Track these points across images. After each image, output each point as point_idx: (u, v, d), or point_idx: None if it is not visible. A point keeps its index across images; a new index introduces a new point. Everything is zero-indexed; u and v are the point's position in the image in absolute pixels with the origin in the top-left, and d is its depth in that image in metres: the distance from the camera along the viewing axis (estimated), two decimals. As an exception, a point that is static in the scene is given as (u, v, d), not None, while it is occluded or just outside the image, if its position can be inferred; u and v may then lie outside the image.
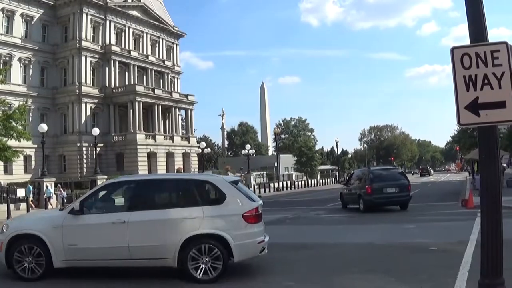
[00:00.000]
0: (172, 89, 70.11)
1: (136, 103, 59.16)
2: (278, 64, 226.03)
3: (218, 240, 8.78)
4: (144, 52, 67.00)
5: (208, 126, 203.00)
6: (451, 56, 5.30)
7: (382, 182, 22.20)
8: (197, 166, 68.52)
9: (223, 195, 9.04)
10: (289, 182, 64.22)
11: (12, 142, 31.66)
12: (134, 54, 64.49)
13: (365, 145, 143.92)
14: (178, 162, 63.71)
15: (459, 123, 5.25)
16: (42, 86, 58.07)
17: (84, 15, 58.41)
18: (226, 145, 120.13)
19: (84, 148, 57.31)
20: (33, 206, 32.82)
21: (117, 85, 61.74)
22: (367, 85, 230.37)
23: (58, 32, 59.15)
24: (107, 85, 60.84)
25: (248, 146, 61.14)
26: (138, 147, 58.38)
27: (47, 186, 35.37)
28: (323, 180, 74.99)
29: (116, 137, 59.83)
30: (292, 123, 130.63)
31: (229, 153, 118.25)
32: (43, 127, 36.19)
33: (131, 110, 59.50)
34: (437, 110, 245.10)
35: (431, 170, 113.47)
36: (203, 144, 54.02)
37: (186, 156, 66.28)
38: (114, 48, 61.48)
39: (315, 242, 13.70)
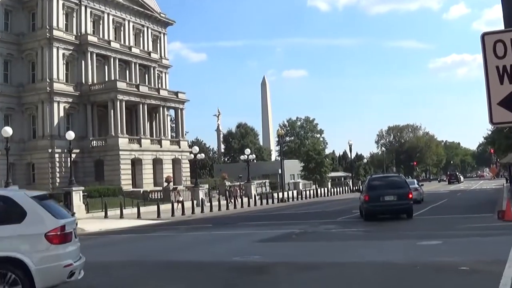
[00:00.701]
0: (160, 86, 70.12)
1: (118, 102, 59.14)
2: (282, 56, 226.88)
3: (16, 264, 8.57)
4: (127, 43, 67.05)
5: (201, 128, 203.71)
6: (481, 43, 5.22)
7: (379, 190, 25.00)
8: (189, 174, 68.45)
9: (23, 212, 8.87)
10: (295, 192, 64.13)
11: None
12: (114, 45, 64.51)
13: (383, 148, 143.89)
14: (167, 170, 63.63)
15: (492, 122, 5.15)
16: (6, 82, 58.03)
17: (55, 0, 58.33)
18: (222, 150, 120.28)
19: (56, 155, 57.24)
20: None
21: (95, 81, 61.76)
22: (385, 79, 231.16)
23: (24, 20, 59.17)
24: (83, 81, 60.85)
25: (247, 151, 61.09)
26: (120, 153, 58.32)
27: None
28: (335, 189, 74.86)
29: (94, 142, 59.79)
30: (299, 123, 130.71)
31: (226, 159, 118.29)
32: (7, 130, 35.94)
33: (112, 110, 59.47)
34: (467, 107, 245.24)
35: (460, 176, 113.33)
36: (196, 148, 53.94)
37: (176, 162, 66.23)
38: (91, 38, 61.52)
39: (326, 262, 13.60)
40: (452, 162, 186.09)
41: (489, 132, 69.77)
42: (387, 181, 26.21)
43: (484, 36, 5.23)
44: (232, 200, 48.87)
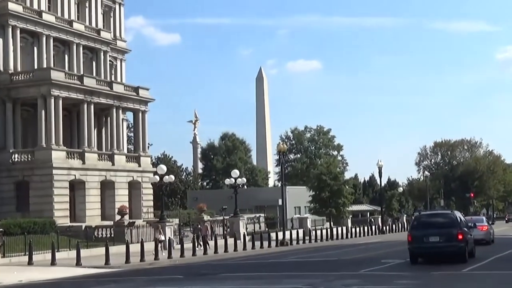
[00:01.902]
0: (113, 78, 69.98)
1: (52, 100, 59.00)
2: (287, 41, 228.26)
3: None
4: (66, 16, 67.07)
5: (171, 140, 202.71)
6: None
7: (423, 230, 30.54)
8: (152, 203, 68.07)
9: None
10: (301, 231, 63.92)
11: None
12: (48, 17, 64.50)
13: (427, 172, 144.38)
14: (122, 198, 63.35)
15: None
16: None
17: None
18: (200, 170, 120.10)
19: (-37, 173, 56.87)
20: None
21: (18, 69, 61.68)
22: (431, 75, 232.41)
23: None
24: (1, 68, 60.76)
25: (235, 173, 60.88)
26: (54, 172, 58.07)
27: None
28: (357, 229, 74.73)
29: (16, 156, 59.52)
30: (308, 135, 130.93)
31: (205, 183, 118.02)
32: None
33: (43, 111, 59.30)
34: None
35: None
36: (163, 168, 53.57)
37: (134, 187, 66.00)
38: (13, 6, 61.44)
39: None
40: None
41: None
42: (434, 219, 31.75)
43: None
44: (201, 242, 48.29)
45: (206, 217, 63.62)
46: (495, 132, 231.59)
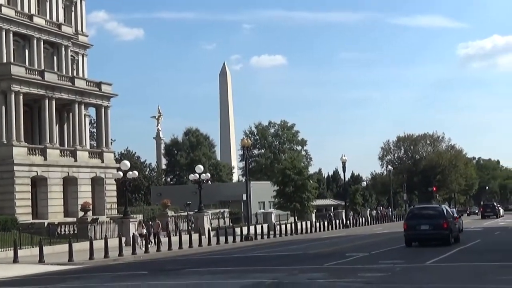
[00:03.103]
0: (75, 73, 69.55)
1: (13, 96, 58.52)
2: (251, 36, 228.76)
3: None
4: (26, 10, 66.47)
5: (134, 136, 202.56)
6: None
7: (416, 220, 38.71)
8: (115, 200, 67.85)
9: None
10: (265, 226, 64.12)
11: None
12: (7, 12, 63.85)
13: (390, 167, 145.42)
14: (85, 194, 63.13)
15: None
16: None
17: None
18: (164, 166, 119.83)
19: None
20: None
21: (-22, 64, 60.96)
22: (394, 70, 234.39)
23: None
24: (-41, 64, 60.10)
25: (199, 168, 60.90)
26: (15, 168, 57.65)
27: None
28: (321, 223, 75.10)
29: (-23, 152, 58.92)
30: (272, 130, 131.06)
31: (169, 179, 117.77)
32: None
33: (3, 107, 58.78)
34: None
35: (500, 208, 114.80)
36: (126, 164, 53.40)
37: (97, 183, 65.77)
38: (-25, 3, 60.73)
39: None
40: (487, 188, 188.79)
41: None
42: (425, 211, 40.80)
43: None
44: (153, 239, 47.51)
45: (170, 213, 63.59)
46: (457, 127, 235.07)
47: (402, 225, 40.99)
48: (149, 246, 43.72)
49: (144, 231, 48.02)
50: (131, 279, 26.26)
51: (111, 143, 72.44)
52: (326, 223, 74.07)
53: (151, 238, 47.81)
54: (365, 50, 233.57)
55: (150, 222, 53.49)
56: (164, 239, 46.81)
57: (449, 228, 38.27)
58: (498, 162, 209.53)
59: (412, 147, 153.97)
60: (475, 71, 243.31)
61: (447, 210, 42.73)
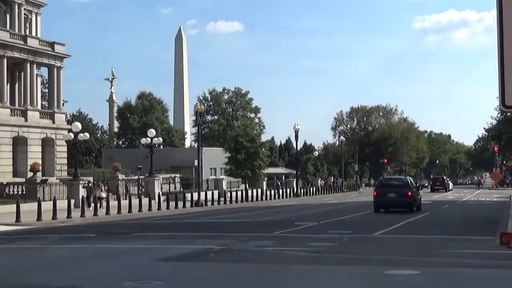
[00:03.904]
0: (28, 32, 68.40)
1: (-37, 51, 57.44)
2: (208, 1, 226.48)
3: None
4: (-20, -35, 64.95)
5: (87, 97, 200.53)
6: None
7: (384, 189, 44.82)
8: (66, 161, 67.24)
9: None
10: (216, 193, 64.18)
11: None
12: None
13: (342, 137, 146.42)
14: (34, 155, 62.44)
15: (504, 105, 5.19)
16: None
17: None
18: (116, 129, 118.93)
19: None
20: None
21: None
22: (350, 41, 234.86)
23: None
24: None
25: (151, 132, 60.53)
26: (-37, 125, 56.78)
27: None
28: (273, 191, 75.36)
29: None
30: (226, 97, 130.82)
31: (120, 142, 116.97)
32: None
33: (-47, 63, 57.74)
34: (464, 86, 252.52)
35: (449, 182, 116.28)
36: (78, 125, 52.83)
37: (48, 143, 65.06)
38: None
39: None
40: (438, 161, 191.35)
41: (494, 122, 71.51)
42: (392, 182, 47.63)
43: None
44: (93, 203, 45.71)
45: (121, 176, 63.24)
46: (410, 100, 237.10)
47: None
48: (87, 209, 42.77)
49: (104, 194, 47.71)
50: (79, 241, 26.12)
51: (63, 104, 71.67)
52: (273, 191, 74.29)
53: (91, 201, 46.77)
54: (322, 20, 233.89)
55: (89, 184, 52.14)
56: (113, 203, 46.43)
57: (412, 197, 43.96)
58: (449, 136, 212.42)
59: (365, 119, 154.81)
60: (430, 45, 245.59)
61: (411, 181, 48.68)
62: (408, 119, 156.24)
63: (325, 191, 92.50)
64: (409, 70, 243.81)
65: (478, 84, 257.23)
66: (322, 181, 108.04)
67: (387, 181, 48.94)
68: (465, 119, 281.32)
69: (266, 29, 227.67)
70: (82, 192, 48.99)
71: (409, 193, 43.87)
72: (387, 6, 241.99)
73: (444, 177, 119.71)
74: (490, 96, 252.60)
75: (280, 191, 77.81)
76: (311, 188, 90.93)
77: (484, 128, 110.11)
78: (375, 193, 45.18)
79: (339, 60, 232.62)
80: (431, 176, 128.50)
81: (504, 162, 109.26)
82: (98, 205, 44.44)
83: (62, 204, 42.08)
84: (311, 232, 29.09)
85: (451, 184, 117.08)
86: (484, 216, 41.28)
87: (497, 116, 63.05)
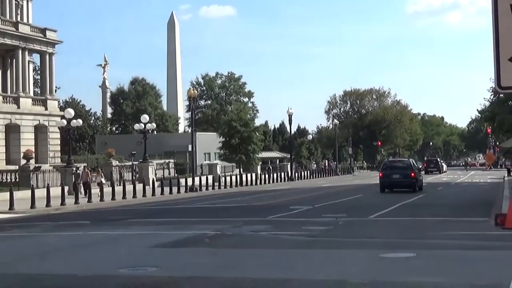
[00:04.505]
0: (19, 19, 68.05)
1: (-47, 39, 57.14)
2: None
3: None
4: (-31, -49, 64.53)
5: (79, 83, 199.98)
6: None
7: (389, 170, 48.84)
8: (59, 148, 67.10)
9: None
10: (210, 178, 64.13)
11: None
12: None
13: (336, 121, 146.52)
14: (27, 142, 62.33)
15: (499, 86, 5.13)
16: None
17: None
18: (109, 115, 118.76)
19: None
20: None
21: None
22: (343, 26, 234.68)
23: None
24: None
25: (145, 117, 60.39)
26: (-45, 113, 56.57)
27: None
28: (267, 176, 75.40)
29: None
30: (219, 81, 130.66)
31: (114, 128, 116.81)
32: None
33: None
34: (457, 69, 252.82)
35: (443, 164, 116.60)
36: (71, 112, 52.65)
37: (41, 130, 64.92)
38: None
39: (250, 278, 13.65)
40: (431, 143, 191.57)
41: (487, 104, 71.70)
42: (396, 164, 51.16)
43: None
44: (82, 191, 45.29)
45: (114, 162, 63.10)
46: (403, 83, 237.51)
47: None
48: (79, 196, 42.21)
49: (103, 180, 47.61)
50: (73, 228, 26.02)
51: (56, 90, 71.50)
52: (265, 175, 74.35)
53: (80, 188, 45.63)
54: (314, 6, 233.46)
55: (77, 171, 50.47)
56: (107, 189, 46.27)
57: (415, 178, 47.98)
58: (442, 118, 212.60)
59: (358, 102, 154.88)
60: (422, 29, 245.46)
61: (413, 163, 52.87)
62: (401, 102, 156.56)
63: (319, 175, 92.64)
64: (402, 54, 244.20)
65: (471, 66, 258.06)
66: (314, 164, 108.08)
67: (392, 163, 52.86)
68: (458, 101, 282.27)
69: (258, 14, 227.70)
70: (74, 178, 48.45)
71: (412, 174, 47.74)
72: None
73: (438, 159, 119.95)
74: (483, 78, 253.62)
75: (273, 175, 77.74)
76: (305, 172, 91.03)
77: (477, 110, 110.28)
78: (381, 174, 49.27)
79: (332, 45, 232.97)
80: (425, 158, 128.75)
81: (498, 143, 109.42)
82: (98, 190, 44.17)
83: (55, 191, 41.98)
84: (306, 216, 29.11)
85: (445, 166, 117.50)
86: (478, 198, 41.40)
87: (490, 98, 63.21)
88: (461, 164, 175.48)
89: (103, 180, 47.89)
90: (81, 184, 46.81)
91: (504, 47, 5.09)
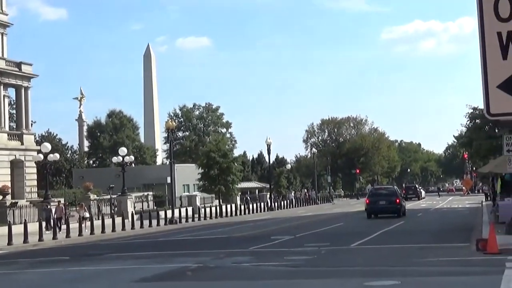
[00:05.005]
0: (-7, 52, 67.98)
1: None
2: (177, 17, 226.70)
3: None
4: None
5: (56, 117, 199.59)
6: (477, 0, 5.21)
7: (375, 197, 51.63)
8: (35, 183, 66.65)
9: None
10: (190, 209, 63.96)
11: None
12: None
13: (314, 149, 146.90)
14: (3, 177, 61.76)
15: (489, 113, 5.15)
16: None
17: None
18: (86, 149, 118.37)
19: None
20: None
21: None
22: (319, 53, 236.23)
23: None
24: None
25: (123, 150, 60.25)
26: None
27: None
28: (247, 206, 75.30)
29: None
30: (197, 112, 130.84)
31: (91, 162, 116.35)
32: None
33: None
34: (433, 95, 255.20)
35: (421, 190, 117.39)
36: (47, 146, 52.44)
37: (17, 165, 64.39)
38: None
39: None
40: (409, 170, 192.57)
41: (464, 130, 72.41)
42: (382, 191, 54.49)
43: (481, -11, 5.34)
44: (52, 225, 43.51)
45: (93, 196, 62.82)
46: (380, 110, 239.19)
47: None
48: (46, 233, 41.23)
49: (87, 214, 47.35)
50: (52, 264, 25.70)
51: (32, 125, 71.11)
52: (243, 206, 74.24)
53: (50, 223, 44.67)
54: (290, 33, 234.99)
55: (48, 206, 48.44)
56: (86, 223, 45.91)
57: (400, 204, 50.76)
58: (419, 145, 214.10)
59: (336, 130, 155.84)
60: (398, 55, 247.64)
61: (397, 190, 56.55)
62: (378, 129, 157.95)
63: (299, 204, 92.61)
64: (378, 80, 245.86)
65: (446, 92, 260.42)
66: (291, 194, 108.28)
67: (377, 190, 56.64)
68: (434, 127, 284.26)
69: (234, 44, 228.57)
70: (52, 214, 47.61)
71: (397, 200, 50.70)
72: (356, 18, 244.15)
73: (416, 186, 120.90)
74: (458, 104, 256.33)
75: (249, 206, 77.67)
76: (285, 202, 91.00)
77: (454, 136, 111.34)
78: (367, 201, 51.83)
79: (309, 72, 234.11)
80: (403, 185, 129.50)
81: (474, 168, 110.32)
82: (83, 225, 44.04)
83: (33, 226, 41.64)
84: (288, 246, 28.97)
85: (423, 192, 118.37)
86: (458, 223, 41.52)
87: (467, 124, 63.92)
88: (439, 189, 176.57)
89: (87, 214, 47.57)
90: (53, 220, 45.07)
91: (493, 74, 5.17)
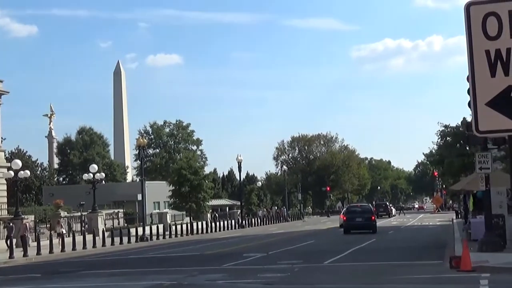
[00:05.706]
0: (-38, 68, 67.44)
1: None
2: (147, 34, 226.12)
3: None
4: None
5: (25, 134, 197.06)
6: (465, 17, 5.24)
7: (352, 214, 54.94)
8: (5, 200, 65.95)
9: None
10: (161, 227, 63.62)
11: None
12: None
13: (284, 167, 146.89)
14: (-28, 193, 61.27)
15: (478, 130, 5.18)
16: None
17: None
18: (56, 165, 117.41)
19: None
20: None
21: None
22: (289, 71, 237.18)
23: None
24: None
25: (94, 167, 59.87)
26: None
27: None
28: (217, 224, 75.07)
29: None
30: (167, 130, 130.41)
31: (61, 179, 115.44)
32: None
33: None
34: (402, 113, 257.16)
35: (392, 208, 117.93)
36: (17, 163, 51.94)
37: (-14, 182, 63.81)
38: None
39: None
40: (379, 188, 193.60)
41: (435, 147, 72.81)
42: (357, 208, 57.63)
43: (469, 7, 5.24)
44: (22, 243, 41.73)
45: (63, 213, 62.28)
46: (350, 128, 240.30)
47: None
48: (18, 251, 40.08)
49: (63, 230, 47.05)
50: (24, 282, 25.41)
51: (1, 141, 70.40)
52: (212, 224, 74.02)
53: (13, 242, 42.32)
54: (260, 51, 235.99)
55: (10, 224, 46.62)
56: (56, 241, 45.37)
57: (374, 221, 54.19)
58: (389, 162, 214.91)
59: (306, 147, 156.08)
60: (367, 73, 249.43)
61: (372, 208, 60.91)
62: (348, 147, 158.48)
63: (269, 221, 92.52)
64: (348, 98, 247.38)
65: (415, 110, 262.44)
66: (262, 211, 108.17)
67: (353, 208, 59.60)
68: (404, 145, 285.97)
69: (204, 61, 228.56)
70: (25, 231, 46.66)
71: (372, 218, 54.17)
72: (325, 37, 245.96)
73: (387, 203, 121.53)
74: (428, 121, 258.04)
75: (219, 223, 77.40)
76: (256, 219, 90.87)
77: (423, 153, 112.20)
78: (344, 218, 55.83)
79: (278, 90, 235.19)
80: (374, 203, 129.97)
81: (444, 186, 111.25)
82: (59, 241, 44.14)
83: (2, 244, 41.17)
84: (261, 263, 28.90)
85: (394, 210, 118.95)
86: (430, 241, 41.72)
87: (438, 141, 64.47)
88: (409, 207, 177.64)
89: (64, 231, 47.20)
90: (22, 238, 43.01)
91: (481, 92, 5.23)
